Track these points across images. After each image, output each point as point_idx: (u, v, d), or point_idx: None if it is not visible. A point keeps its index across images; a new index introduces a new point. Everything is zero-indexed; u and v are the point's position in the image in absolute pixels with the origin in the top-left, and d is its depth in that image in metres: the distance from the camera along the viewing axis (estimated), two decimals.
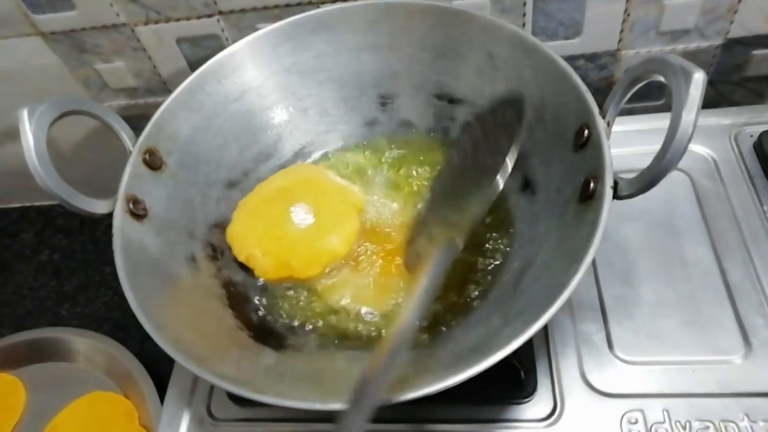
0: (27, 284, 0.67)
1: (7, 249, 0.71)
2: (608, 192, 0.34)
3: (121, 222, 0.39)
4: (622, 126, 0.54)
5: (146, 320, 0.35)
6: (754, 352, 0.42)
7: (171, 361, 0.49)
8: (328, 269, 0.45)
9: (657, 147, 0.33)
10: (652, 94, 0.58)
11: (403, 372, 0.38)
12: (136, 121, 0.44)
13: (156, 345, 0.33)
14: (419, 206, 0.46)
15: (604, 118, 0.37)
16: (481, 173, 0.38)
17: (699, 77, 0.30)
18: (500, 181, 0.36)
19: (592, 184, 0.36)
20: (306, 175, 0.49)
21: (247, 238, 0.45)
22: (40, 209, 0.74)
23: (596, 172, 0.36)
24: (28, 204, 0.75)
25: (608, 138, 0.36)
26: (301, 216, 0.44)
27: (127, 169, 0.42)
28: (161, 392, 0.51)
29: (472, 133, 0.44)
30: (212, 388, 0.48)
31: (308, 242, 0.44)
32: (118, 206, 0.40)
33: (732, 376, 0.41)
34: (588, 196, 0.36)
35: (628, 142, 0.52)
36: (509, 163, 0.36)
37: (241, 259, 0.45)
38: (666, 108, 0.59)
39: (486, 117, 0.43)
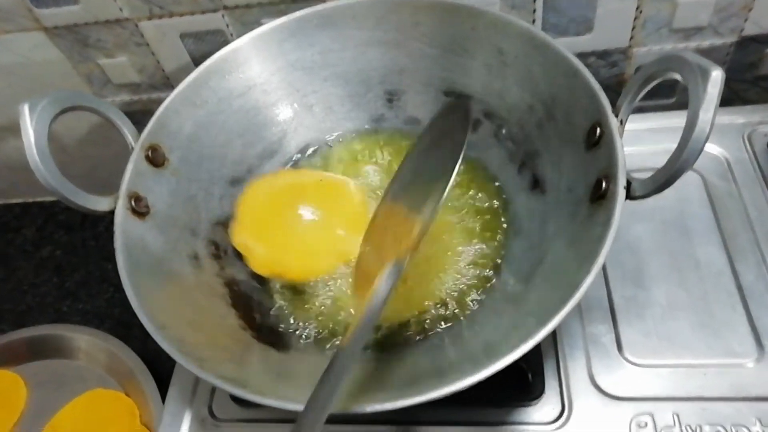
0: (28, 280, 0.67)
1: (9, 244, 0.71)
2: (621, 192, 0.34)
3: (122, 219, 0.39)
4: (633, 124, 0.53)
5: (147, 320, 0.34)
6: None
7: (172, 360, 0.49)
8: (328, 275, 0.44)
9: (668, 146, 0.32)
10: (663, 92, 0.57)
11: (411, 373, 0.38)
12: (139, 116, 0.43)
13: (157, 343, 0.33)
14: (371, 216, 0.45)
15: (617, 116, 0.36)
16: (429, 181, 0.37)
17: (717, 75, 0.29)
18: (444, 191, 0.34)
19: (604, 184, 0.35)
20: (322, 178, 0.48)
21: (248, 226, 0.45)
22: (42, 205, 0.73)
23: (609, 172, 0.35)
24: (30, 199, 0.74)
25: (621, 137, 0.36)
26: (308, 217, 0.44)
27: (129, 166, 0.41)
28: (162, 390, 0.50)
29: (423, 140, 0.44)
30: (214, 387, 0.47)
31: (311, 244, 0.43)
32: (120, 204, 0.39)
33: (744, 380, 0.41)
34: (600, 196, 0.35)
35: (638, 140, 0.51)
36: (453, 172, 0.34)
37: (234, 243, 0.44)
38: (677, 106, 0.58)
39: (435, 123, 0.43)
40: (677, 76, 0.32)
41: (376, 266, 0.37)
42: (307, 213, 0.44)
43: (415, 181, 0.41)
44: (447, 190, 0.34)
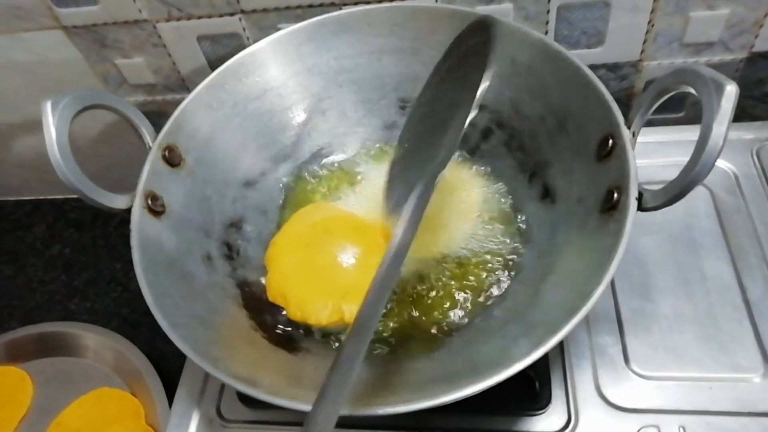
0: (37, 277, 0.67)
1: (19, 241, 0.71)
2: (633, 203, 0.34)
3: (139, 218, 0.39)
4: (641, 137, 0.53)
5: (162, 317, 0.35)
6: None
7: (179, 360, 0.50)
8: None
9: (677, 159, 0.33)
10: (673, 106, 0.58)
11: (421, 378, 0.38)
12: (153, 117, 0.44)
13: (164, 343, 0.33)
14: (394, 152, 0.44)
15: (629, 128, 0.37)
16: (451, 109, 0.37)
17: (731, 90, 0.30)
18: (470, 113, 0.34)
19: (615, 195, 0.36)
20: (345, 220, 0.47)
21: (280, 281, 0.43)
22: (53, 202, 0.74)
23: (620, 183, 0.35)
24: (41, 197, 0.75)
25: (633, 148, 0.36)
26: (338, 261, 0.42)
27: (147, 165, 0.42)
28: (168, 391, 0.50)
29: (439, 70, 0.42)
30: (222, 388, 0.47)
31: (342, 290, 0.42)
32: (137, 202, 0.40)
33: (750, 395, 0.41)
34: (611, 207, 0.36)
35: (648, 153, 0.51)
36: (478, 95, 0.34)
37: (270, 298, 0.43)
38: (686, 120, 0.58)
39: (453, 48, 0.40)
40: (691, 90, 0.32)
41: (404, 194, 0.36)
42: (337, 257, 0.43)
43: (434, 112, 0.39)
44: (468, 118, 0.34)
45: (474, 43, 0.38)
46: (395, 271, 0.32)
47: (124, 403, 0.54)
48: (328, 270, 0.42)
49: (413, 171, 0.38)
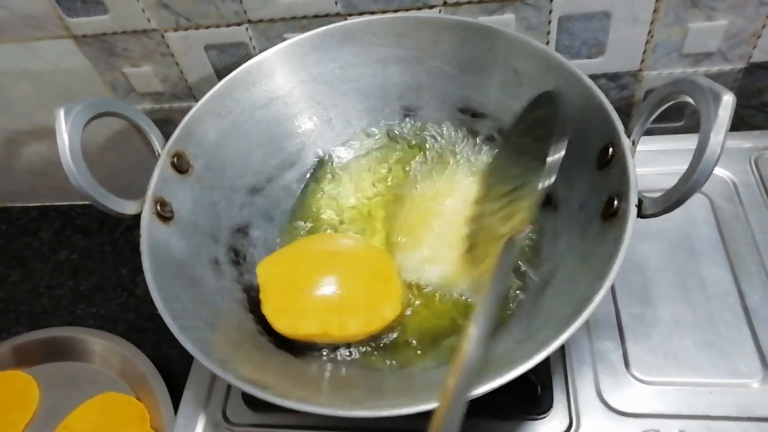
0: (44, 283, 0.68)
1: (26, 247, 0.72)
2: (633, 210, 0.35)
3: (148, 223, 0.40)
4: (641, 146, 0.54)
5: (171, 321, 0.35)
6: None
7: (184, 365, 0.50)
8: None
9: (677, 168, 0.33)
10: (672, 115, 0.58)
11: (420, 383, 0.39)
12: (160, 125, 0.45)
13: (170, 348, 0.33)
14: (474, 206, 0.45)
15: (629, 136, 0.37)
16: (530, 162, 0.39)
17: (728, 99, 0.31)
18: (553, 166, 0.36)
19: (615, 202, 0.36)
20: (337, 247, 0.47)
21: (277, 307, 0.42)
22: (60, 209, 0.75)
23: (620, 191, 0.36)
24: (48, 203, 0.76)
25: (633, 157, 0.37)
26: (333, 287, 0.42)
27: (156, 172, 0.42)
28: (173, 396, 0.51)
29: (509, 138, 0.44)
30: (228, 392, 0.48)
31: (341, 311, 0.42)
32: (146, 208, 0.40)
33: (750, 400, 0.41)
34: (611, 214, 0.37)
35: (647, 162, 0.52)
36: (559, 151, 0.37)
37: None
38: (686, 129, 0.59)
39: (522, 118, 0.43)
40: (689, 100, 0.33)
41: (487, 246, 0.37)
42: (331, 284, 0.42)
43: (512, 166, 0.41)
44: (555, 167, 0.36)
45: (543, 114, 0.40)
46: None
47: (130, 408, 0.54)
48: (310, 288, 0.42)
49: (497, 224, 0.40)
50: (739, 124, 0.59)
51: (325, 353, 0.42)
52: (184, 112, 0.45)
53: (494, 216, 0.40)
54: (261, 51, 0.48)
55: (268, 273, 0.42)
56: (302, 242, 0.48)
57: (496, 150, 0.48)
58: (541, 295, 0.40)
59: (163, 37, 0.55)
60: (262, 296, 0.41)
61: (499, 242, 0.37)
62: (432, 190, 0.49)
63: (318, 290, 0.41)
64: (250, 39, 0.55)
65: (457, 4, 0.50)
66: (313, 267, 0.43)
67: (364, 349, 0.42)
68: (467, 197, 0.47)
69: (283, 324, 0.40)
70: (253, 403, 0.46)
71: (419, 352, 0.42)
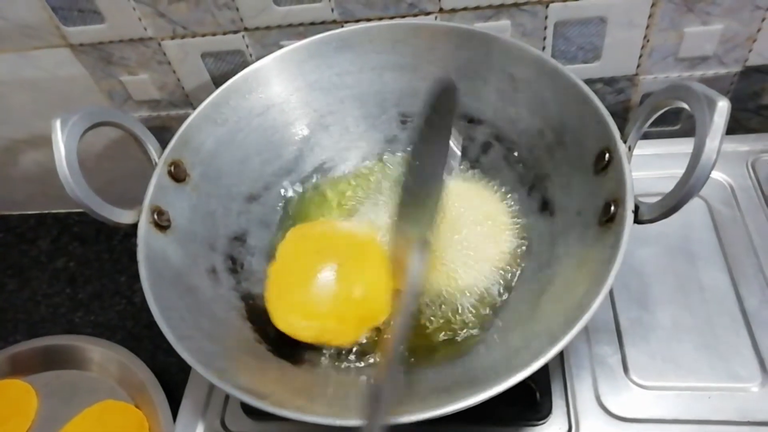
0: (42, 291, 0.68)
1: (24, 255, 0.72)
2: (629, 216, 0.35)
3: (145, 232, 0.40)
4: (638, 150, 0.54)
5: (168, 330, 0.35)
6: None
7: (182, 373, 0.50)
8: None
9: (673, 171, 0.33)
10: (669, 119, 0.58)
11: (420, 391, 0.38)
12: (157, 132, 0.45)
13: (167, 356, 0.33)
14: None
15: (625, 142, 0.37)
16: (432, 170, 0.39)
17: (723, 105, 0.31)
18: (446, 174, 0.38)
19: (612, 208, 0.36)
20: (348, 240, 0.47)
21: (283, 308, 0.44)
22: (57, 216, 0.75)
23: (617, 196, 0.36)
24: (45, 211, 0.75)
25: (629, 162, 0.37)
26: (338, 284, 0.43)
27: (153, 180, 0.42)
28: (171, 403, 0.51)
29: (420, 135, 0.44)
30: (226, 400, 0.48)
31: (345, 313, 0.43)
32: (143, 217, 0.40)
33: (749, 405, 0.41)
34: (608, 219, 0.37)
35: (644, 166, 0.52)
36: (454, 150, 0.38)
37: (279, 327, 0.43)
38: (682, 133, 0.59)
39: (428, 116, 0.42)
40: (684, 105, 0.33)
41: (405, 252, 0.38)
42: (335, 281, 0.44)
43: (420, 174, 0.42)
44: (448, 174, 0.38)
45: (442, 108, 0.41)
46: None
47: (129, 416, 0.54)
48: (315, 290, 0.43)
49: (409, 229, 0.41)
50: (735, 127, 0.59)
51: (323, 361, 0.42)
52: (181, 119, 0.46)
53: (406, 220, 0.41)
54: (257, 58, 0.49)
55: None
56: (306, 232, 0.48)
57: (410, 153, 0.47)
58: (539, 301, 0.40)
59: (159, 45, 0.55)
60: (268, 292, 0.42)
61: (410, 246, 0.38)
62: None
63: (321, 289, 0.42)
64: (247, 47, 0.55)
65: (453, 10, 0.50)
66: (317, 261, 0.44)
67: (362, 359, 0.42)
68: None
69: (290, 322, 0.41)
70: (251, 411, 0.46)
71: (412, 360, 0.42)
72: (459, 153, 0.38)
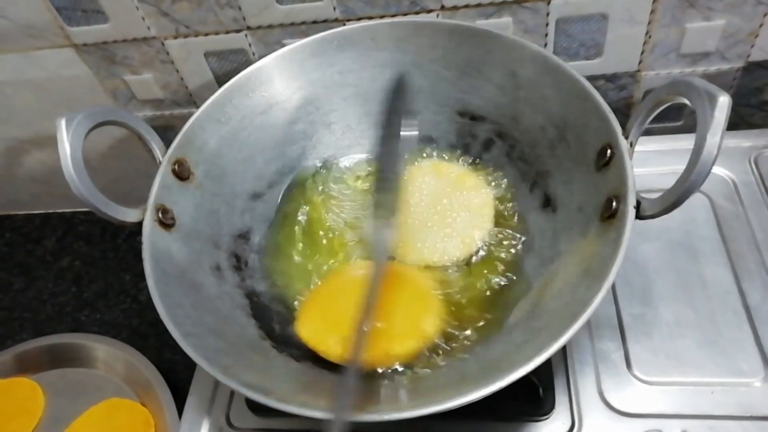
0: (47, 290, 0.68)
1: (29, 254, 0.72)
2: (631, 212, 0.35)
3: (150, 231, 0.40)
4: (640, 146, 0.54)
5: (174, 328, 0.36)
6: None
7: (188, 370, 0.51)
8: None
9: (675, 167, 0.34)
10: (671, 115, 0.58)
11: (423, 386, 0.39)
12: (161, 131, 0.45)
13: (173, 353, 0.34)
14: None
15: (627, 138, 0.37)
16: (391, 165, 0.42)
17: (724, 101, 0.31)
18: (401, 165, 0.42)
19: (614, 204, 0.36)
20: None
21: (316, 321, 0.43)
22: (63, 216, 0.75)
23: (619, 192, 0.36)
24: (51, 210, 0.76)
25: (631, 158, 0.37)
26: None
27: (157, 179, 0.43)
28: (177, 401, 0.51)
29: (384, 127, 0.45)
30: (232, 396, 0.48)
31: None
32: (148, 215, 0.41)
33: (752, 399, 0.41)
34: (610, 215, 0.37)
35: (646, 162, 0.52)
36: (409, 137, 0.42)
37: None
38: (684, 129, 0.59)
39: (389, 109, 0.44)
40: (686, 101, 0.33)
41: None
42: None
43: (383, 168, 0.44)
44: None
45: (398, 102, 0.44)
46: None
47: (135, 414, 0.55)
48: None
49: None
50: (738, 122, 0.59)
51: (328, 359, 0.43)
52: (185, 118, 0.46)
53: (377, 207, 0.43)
54: (260, 57, 0.49)
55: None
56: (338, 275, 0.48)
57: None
58: (542, 296, 0.40)
59: (163, 44, 0.55)
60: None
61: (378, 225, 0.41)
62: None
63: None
64: (250, 45, 0.55)
65: (455, 8, 0.50)
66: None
67: None
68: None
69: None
70: (256, 407, 0.46)
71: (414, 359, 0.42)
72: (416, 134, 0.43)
